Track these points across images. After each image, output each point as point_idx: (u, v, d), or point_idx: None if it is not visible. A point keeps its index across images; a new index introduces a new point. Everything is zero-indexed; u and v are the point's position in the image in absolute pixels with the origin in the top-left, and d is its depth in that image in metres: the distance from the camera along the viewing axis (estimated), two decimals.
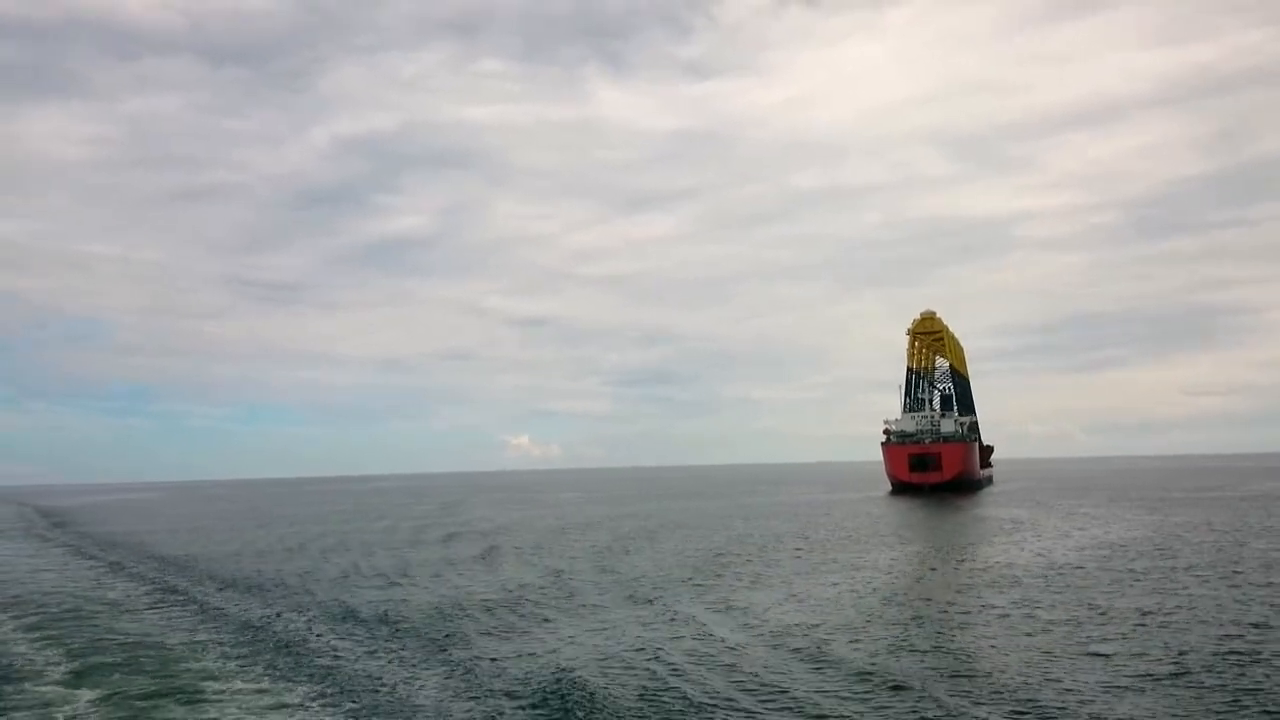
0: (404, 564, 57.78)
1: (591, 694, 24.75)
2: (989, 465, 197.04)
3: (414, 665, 29.22)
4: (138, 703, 25.42)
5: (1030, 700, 23.36)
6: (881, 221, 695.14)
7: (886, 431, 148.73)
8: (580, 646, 31.13)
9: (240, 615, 39.64)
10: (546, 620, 36.48)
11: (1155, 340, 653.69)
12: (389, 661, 29.84)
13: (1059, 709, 22.58)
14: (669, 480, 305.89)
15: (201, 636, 34.84)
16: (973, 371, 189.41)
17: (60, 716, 24.39)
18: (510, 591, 44.34)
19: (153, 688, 26.89)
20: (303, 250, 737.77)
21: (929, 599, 39.19)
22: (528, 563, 57.04)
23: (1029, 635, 31.02)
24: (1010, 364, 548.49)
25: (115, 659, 30.83)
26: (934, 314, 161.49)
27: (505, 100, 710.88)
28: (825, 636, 31.66)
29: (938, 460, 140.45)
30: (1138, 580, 42.52)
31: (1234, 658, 27.06)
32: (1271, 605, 35.20)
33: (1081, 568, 47.45)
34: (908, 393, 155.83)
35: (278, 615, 39.27)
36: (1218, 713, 22.10)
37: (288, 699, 25.34)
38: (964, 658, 28.15)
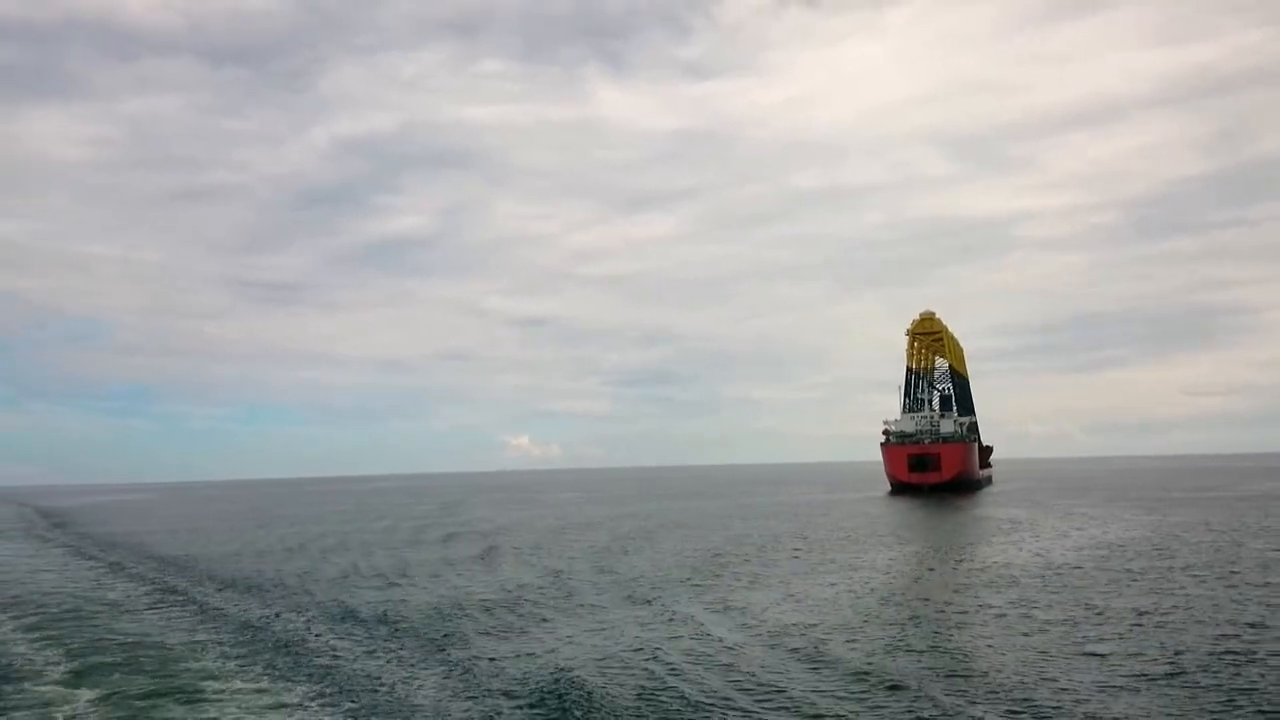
0: (403, 564, 57.88)
1: (589, 694, 24.85)
2: (988, 465, 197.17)
3: (413, 665, 29.32)
4: (137, 702, 25.52)
5: (1026, 700, 23.46)
6: (881, 221, 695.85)
7: (886, 432, 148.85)
8: (578, 646, 31.23)
9: (240, 615, 39.74)
10: (545, 620, 36.58)
11: (1155, 340, 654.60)
12: (388, 661, 29.94)
13: (1054, 708, 22.68)
14: (669, 480, 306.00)
15: (201, 636, 34.94)
16: (973, 371, 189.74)
17: (60, 716, 24.49)
18: (509, 591, 44.44)
19: (152, 687, 26.99)
20: (303, 250, 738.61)
21: (926, 599, 39.29)
22: (527, 563, 57.14)
23: (1025, 635, 31.12)
24: (1010, 364, 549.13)
25: (115, 659, 30.92)
26: (933, 314, 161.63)
27: (505, 100, 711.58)
28: (822, 636, 31.76)
29: (937, 460, 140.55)
30: (1135, 580, 42.62)
31: (1230, 657, 27.15)
32: (1268, 605, 35.30)
33: (1079, 568, 47.55)
34: (907, 393, 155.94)
35: (277, 615, 39.37)
36: (1212, 712, 22.19)
37: (287, 698, 25.44)
38: (960, 657, 28.25)
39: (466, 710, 24.04)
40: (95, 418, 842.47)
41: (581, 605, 39.99)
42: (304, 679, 27.64)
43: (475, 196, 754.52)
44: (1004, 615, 34.80)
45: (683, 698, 24.53)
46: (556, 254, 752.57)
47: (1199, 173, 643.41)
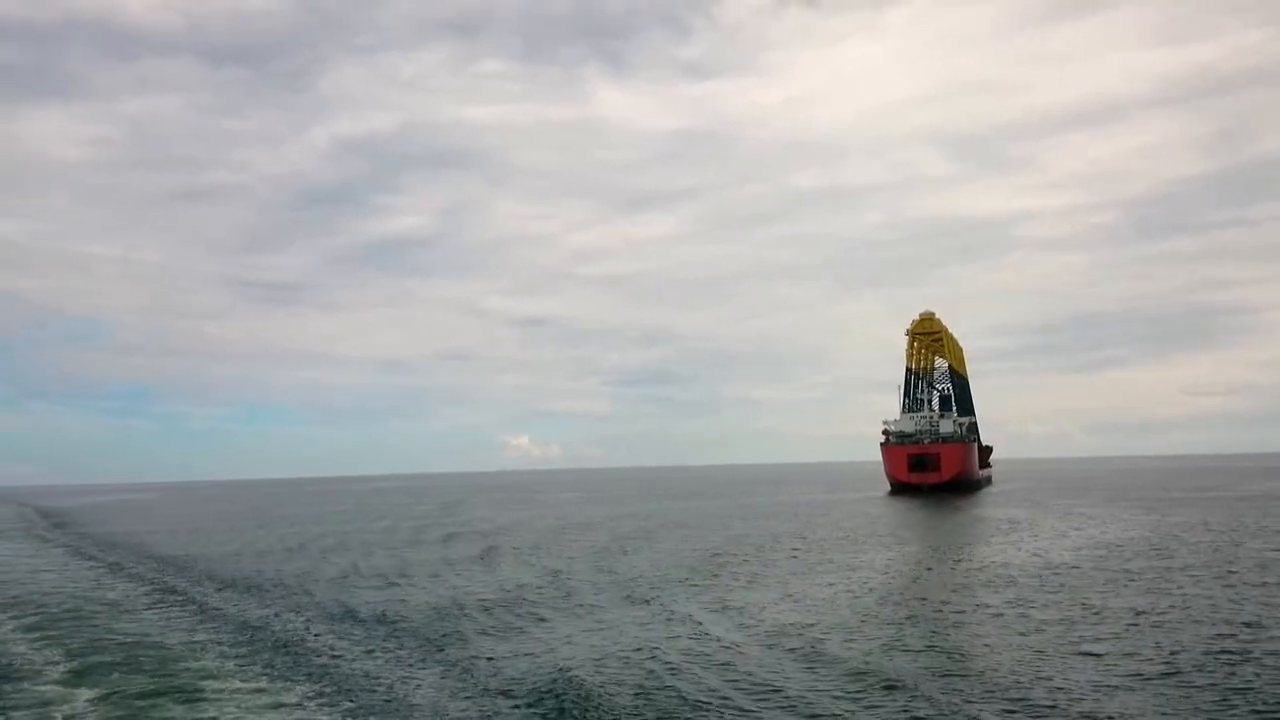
0: (403, 564, 57.97)
1: (587, 693, 24.93)
2: (988, 465, 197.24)
3: (411, 665, 29.41)
4: (136, 702, 25.60)
5: (1022, 699, 23.55)
6: (881, 221, 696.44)
7: (885, 432, 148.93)
8: (577, 646, 31.32)
9: (239, 615, 39.83)
10: (543, 620, 36.67)
11: (1155, 340, 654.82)
12: (387, 661, 30.03)
13: (1049, 707, 22.77)
14: (669, 480, 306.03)
15: (200, 636, 35.03)
16: (973, 372, 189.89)
17: (59, 715, 24.58)
18: (508, 591, 44.53)
19: (151, 687, 27.07)
20: (303, 250, 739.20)
21: (924, 599, 39.37)
22: (526, 563, 57.22)
23: (1022, 635, 31.21)
24: (1010, 364, 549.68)
25: (114, 658, 31.00)
26: (933, 314, 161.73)
27: (505, 100, 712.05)
28: (820, 636, 31.85)
29: (936, 461, 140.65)
30: (1132, 580, 42.69)
31: (1225, 657, 27.23)
32: (1265, 605, 35.39)
33: (1077, 567, 47.63)
34: (907, 393, 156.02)
35: (276, 615, 39.46)
36: (1207, 711, 22.28)
37: (286, 698, 25.53)
38: (957, 657, 28.34)
39: (464, 709, 24.14)
40: (95, 418, 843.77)
41: (580, 605, 40.08)
42: (303, 678, 27.73)
43: (475, 196, 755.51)
44: (1001, 615, 34.90)
45: (680, 697, 24.61)
46: (556, 254, 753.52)
47: (1199, 173, 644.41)
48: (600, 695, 24.72)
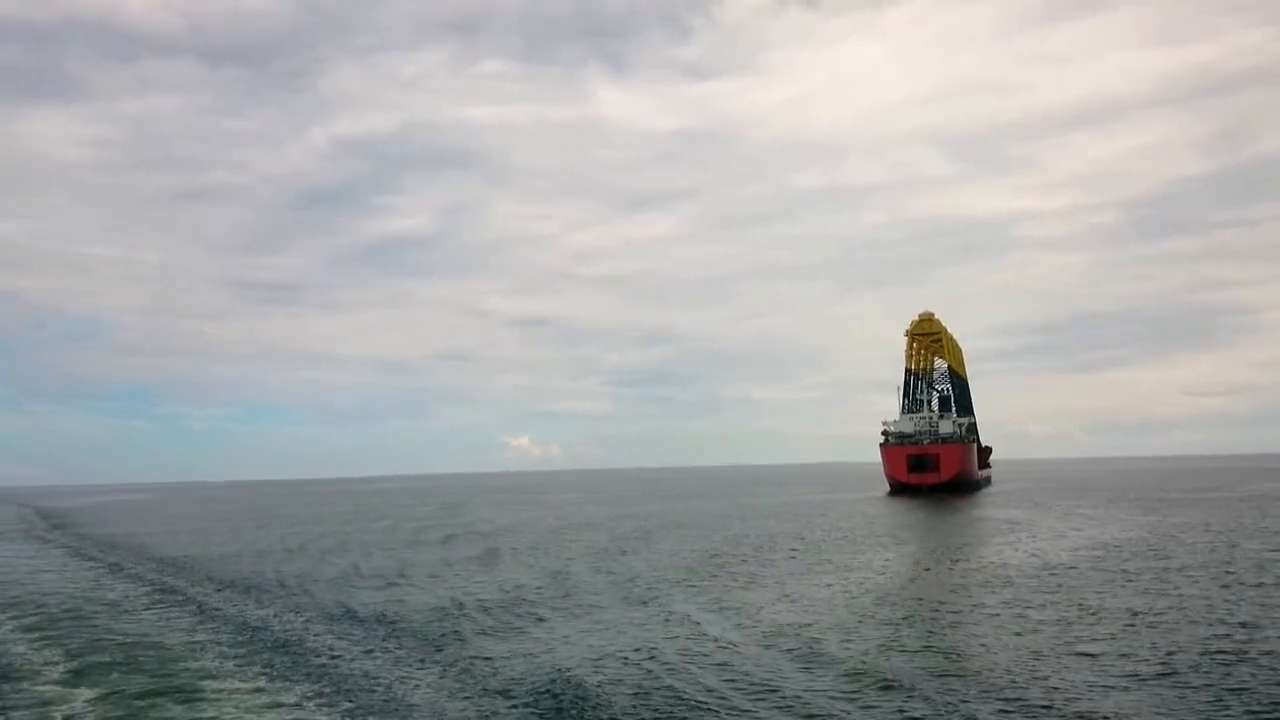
0: (402, 565, 58.06)
1: (585, 692, 25.03)
2: (987, 466, 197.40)
3: (410, 665, 29.51)
4: (135, 701, 25.70)
5: (1017, 699, 23.64)
6: (881, 221, 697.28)
7: (885, 433, 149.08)
8: (575, 646, 31.41)
9: (238, 615, 39.92)
10: (542, 620, 36.76)
11: (1155, 340, 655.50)
12: (386, 661, 30.12)
13: (1044, 707, 22.86)
14: (669, 481, 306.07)
15: (200, 636, 35.12)
16: (972, 372, 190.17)
17: (58, 715, 24.67)
18: (507, 592, 44.63)
19: (150, 686, 27.17)
20: (303, 250, 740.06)
21: (921, 599, 39.46)
22: (525, 563, 57.32)
23: (1018, 635, 31.29)
24: (1010, 364, 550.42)
25: (114, 658, 31.11)
26: (932, 315, 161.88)
27: (505, 100, 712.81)
28: (817, 636, 31.94)
29: (936, 461, 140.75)
30: (1130, 581, 42.78)
31: (1221, 657, 27.32)
32: (1261, 605, 35.47)
33: (1075, 568, 47.71)
34: (906, 394, 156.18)
35: (275, 615, 39.56)
36: (1202, 712, 22.37)
37: (284, 698, 25.62)
38: (953, 657, 28.43)
39: (463, 710, 24.23)
40: (95, 418, 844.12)
41: (579, 605, 40.18)
42: (302, 679, 27.83)
43: (475, 196, 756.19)
44: (998, 615, 34.98)
45: (678, 696, 24.70)
46: (556, 254, 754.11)
47: (1199, 173, 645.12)
48: (598, 695, 24.82)
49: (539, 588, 45.87)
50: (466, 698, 25.33)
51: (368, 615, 38.65)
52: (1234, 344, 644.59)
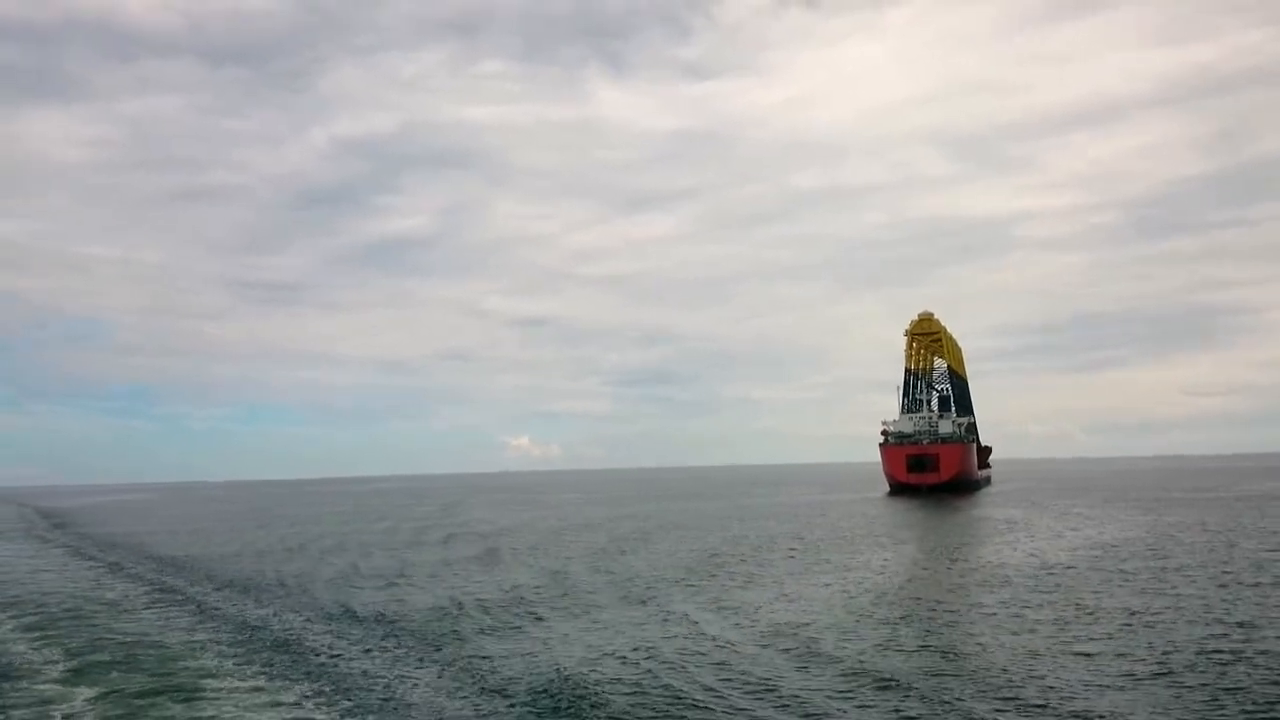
0: (402, 565, 58.15)
1: (584, 692, 25.11)
2: (987, 466, 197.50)
3: (409, 664, 29.59)
4: (135, 700, 25.78)
5: (1013, 698, 23.73)
6: (881, 221, 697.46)
7: (884, 433, 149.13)
8: (574, 645, 31.50)
9: (238, 615, 40.01)
10: (541, 620, 36.84)
11: (1155, 340, 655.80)
12: (385, 660, 30.21)
13: (1041, 706, 22.94)
14: (669, 481, 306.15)
15: (199, 636, 35.20)
16: (972, 372, 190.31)
17: (58, 714, 24.75)
18: (506, 592, 44.71)
19: (150, 685, 27.25)
20: (303, 250, 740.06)
21: (919, 599, 39.54)
22: (525, 563, 57.40)
23: (1015, 634, 31.38)
24: (1010, 364, 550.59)
25: (113, 657, 31.19)
26: (931, 315, 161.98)
27: (505, 100, 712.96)
28: (815, 635, 32.02)
29: (935, 461, 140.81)
30: (1127, 580, 42.85)
31: (1217, 656, 27.40)
32: (1258, 605, 35.55)
33: (1073, 568, 47.79)
34: (906, 394, 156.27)
35: (275, 615, 39.64)
36: (1198, 711, 22.45)
37: (284, 697, 25.70)
38: (951, 656, 28.51)
39: (462, 709, 24.32)
40: (95, 418, 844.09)
41: (578, 605, 40.27)
42: (301, 678, 27.91)
43: (475, 196, 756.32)
44: (995, 615, 35.07)
45: (676, 696, 24.79)
46: (556, 254, 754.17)
47: (1199, 173, 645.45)
48: (597, 694, 24.90)
49: (538, 587, 45.95)
50: (465, 697, 25.41)
51: (367, 615, 38.73)
52: (1234, 344, 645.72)
